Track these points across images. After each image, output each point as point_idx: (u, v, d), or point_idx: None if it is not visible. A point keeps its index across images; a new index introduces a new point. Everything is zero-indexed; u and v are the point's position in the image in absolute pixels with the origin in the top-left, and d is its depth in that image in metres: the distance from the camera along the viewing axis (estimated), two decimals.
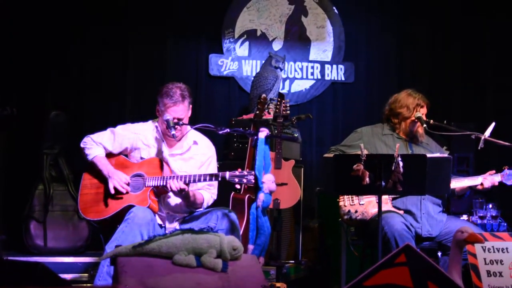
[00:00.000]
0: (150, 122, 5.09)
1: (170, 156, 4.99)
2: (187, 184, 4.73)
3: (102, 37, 7.22)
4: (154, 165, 4.88)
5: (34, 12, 6.97)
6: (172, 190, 4.73)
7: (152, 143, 4.98)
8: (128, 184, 4.79)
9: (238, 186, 4.72)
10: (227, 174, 4.66)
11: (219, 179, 4.74)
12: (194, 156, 5.05)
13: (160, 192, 4.84)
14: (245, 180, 4.62)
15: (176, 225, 4.92)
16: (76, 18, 7.13)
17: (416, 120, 5.31)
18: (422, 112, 5.33)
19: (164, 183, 4.72)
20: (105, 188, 4.88)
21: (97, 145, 4.96)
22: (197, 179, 4.71)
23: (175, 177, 4.73)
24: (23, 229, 6.34)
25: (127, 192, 4.79)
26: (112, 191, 4.77)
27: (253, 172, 4.58)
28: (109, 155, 5.00)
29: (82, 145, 4.99)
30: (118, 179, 4.78)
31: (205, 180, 4.74)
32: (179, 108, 4.87)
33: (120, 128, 5.05)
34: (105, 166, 4.87)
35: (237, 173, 4.65)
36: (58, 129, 6.66)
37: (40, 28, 7.00)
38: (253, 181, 4.59)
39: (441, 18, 7.86)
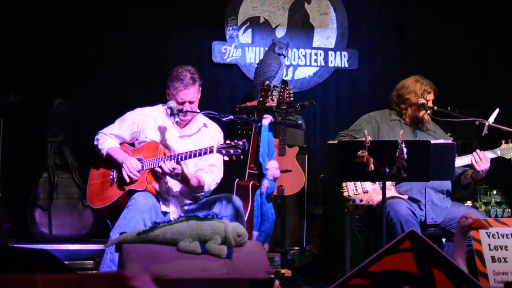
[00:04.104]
0: (159, 105, 5.07)
1: (179, 137, 4.98)
2: (178, 163, 4.69)
3: (103, 24, 7.22)
4: (152, 148, 4.86)
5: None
6: (165, 172, 4.69)
7: (162, 125, 4.98)
8: (139, 171, 4.78)
9: (226, 158, 4.62)
10: (215, 146, 4.58)
11: (208, 153, 4.64)
12: (203, 138, 5.02)
13: (159, 175, 4.82)
14: (232, 151, 4.50)
15: (181, 211, 4.91)
16: (78, 5, 7.12)
17: (420, 107, 5.31)
18: (429, 98, 5.34)
19: (159, 165, 4.71)
20: (110, 176, 4.89)
21: (109, 137, 4.98)
22: (188, 155, 4.67)
23: (168, 157, 4.72)
24: (28, 217, 6.36)
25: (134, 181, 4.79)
26: (127, 179, 4.77)
27: (240, 142, 4.53)
28: None
29: (95, 142, 5.01)
30: (129, 166, 4.77)
31: (195, 156, 4.66)
32: (190, 91, 4.87)
33: (128, 113, 5.08)
34: (119, 155, 4.88)
35: (224, 144, 4.56)
36: (62, 117, 6.67)
37: (43, 16, 7.02)
38: (239, 151, 4.51)
39: (444, 4, 7.83)
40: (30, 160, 6.68)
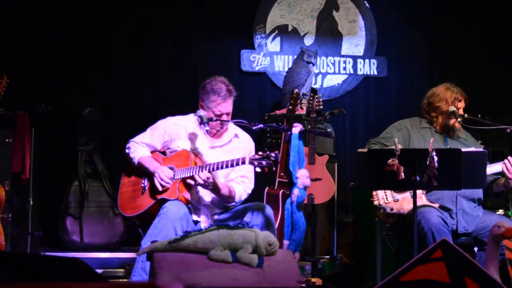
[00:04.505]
0: (191, 114, 5.05)
1: (210, 148, 4.96)
2: (210, 173, 4.65)
3: (131, 33, 7.25)
4: (184, 157, 4.85)
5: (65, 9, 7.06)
6: (197, 182, 4.68)
7: (193, 135, 4.97)
8: (171, 179, 4.78)
9: (258, 170, 4.59)
10: (247, 158, 4.56)
11: (240, 164, 4.61)
12: (234, 149, 4.99)
13: (190, 184, 4.82)
14: (264, 163, 4.47)
15: (211, 220, 4.91)
16: (105, 16, 7.18)
17: (451, 115, 5.28)
18: (460, 106, 5.31)
19: (190, 174, 4.71)
20: (141, 184, 4.91)
21: (140, 146, 4.98)
22: (219, 166, 4.65)
23: (200, 167, 4.72)
24: (59, 225, 6.41)
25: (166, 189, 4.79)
26: (159, 188, 4.77)
27: (272, 154, 4.50)
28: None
29: (126, 150, 4.99)
30: (160, 174, 4.77)
31: (227, 166, 4.65)
32: (227, 104, 4.88)
33: (160, 122, 5.06)
34: (151, 164, 4.87)
35: (256, 156, 4.53)
36: (93, 125, 6.73)
37: (70, 26, 7.08)
38: (272, 163, 4.48)
39: (473, 11, 7.79)
40: (61, 169, 6.73)
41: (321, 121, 6.58)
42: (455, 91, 5.35)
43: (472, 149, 5.00)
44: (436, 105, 5.36)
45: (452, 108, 5.28)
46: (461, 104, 5.33)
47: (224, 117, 4.88)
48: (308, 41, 7.69)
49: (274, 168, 4.59)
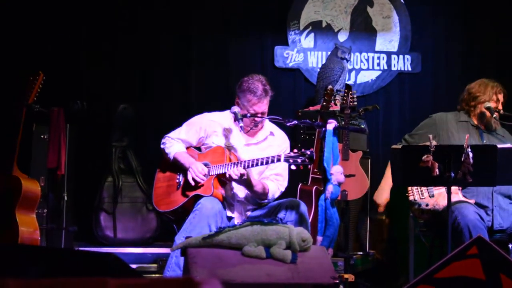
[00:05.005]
0: (227, 111, 5.05)
1: (245, 145, 4.98)
2: (244, 170, 4.68)
3: (163, 30, 7.28)
4: (219, 154, 4.87)
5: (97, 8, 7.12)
6: (232, 178, 4.69)
7: (228, 131, 4.98)
8: (205, 175, 4.79)
9: (294, 167, 4.58)
10: (282, 155, 4.55)
11: (275, 162, 4.60)
12: (269, 147, 5.00)
13: (225, 181, 4.83)
14: (299, 161, 4.46)
15: (244, 217, 4.92)
16: (140, 13, 7.22)
17: (487, 110, 5.26)
18: (500, 99, 5.31)
19: (225, 171, 4.71)
20: (176, 180, 4.93)
21: (176, 142, 5.00)
22: (254, 163, 4.65)
23: (235, 163, 4.72)
24: (93, 220, 6.46)
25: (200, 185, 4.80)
26: (192, 183, 4.78)
27: (308, 152, 4.48)
28: None
29: (162, 146, 5.03)
30: (195, 170, 4.79)
31: (262, 164, 4.65)
32: (263, 104, 4.88)
33: (195, 118, 5.09)
34: (186, 159, 4.89)
35: (291, 154, 4.52)
36: (126, 122, 6.76)
37: (105, 23, 7.14)
38: (307, 161, 4.47)
39: (508, 6, 7.70)
40: (95, 165, 6.79)
41: (355, 117, 6.54)
42: (496, 84, 5.35)
43: (508, 145, 4.97)
44: (476, 95, 5.35)
45: (488, 104, 5.26)
46: (501, 97, 5.32)
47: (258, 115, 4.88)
48: (342, 37, 7.65)
49: (309, 166, 4.58)
